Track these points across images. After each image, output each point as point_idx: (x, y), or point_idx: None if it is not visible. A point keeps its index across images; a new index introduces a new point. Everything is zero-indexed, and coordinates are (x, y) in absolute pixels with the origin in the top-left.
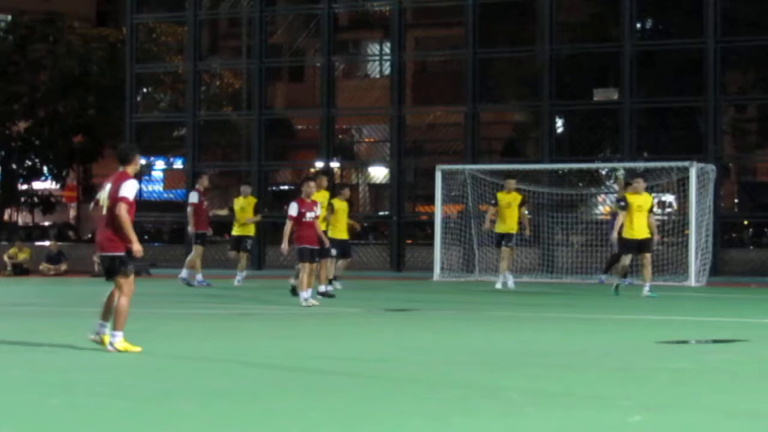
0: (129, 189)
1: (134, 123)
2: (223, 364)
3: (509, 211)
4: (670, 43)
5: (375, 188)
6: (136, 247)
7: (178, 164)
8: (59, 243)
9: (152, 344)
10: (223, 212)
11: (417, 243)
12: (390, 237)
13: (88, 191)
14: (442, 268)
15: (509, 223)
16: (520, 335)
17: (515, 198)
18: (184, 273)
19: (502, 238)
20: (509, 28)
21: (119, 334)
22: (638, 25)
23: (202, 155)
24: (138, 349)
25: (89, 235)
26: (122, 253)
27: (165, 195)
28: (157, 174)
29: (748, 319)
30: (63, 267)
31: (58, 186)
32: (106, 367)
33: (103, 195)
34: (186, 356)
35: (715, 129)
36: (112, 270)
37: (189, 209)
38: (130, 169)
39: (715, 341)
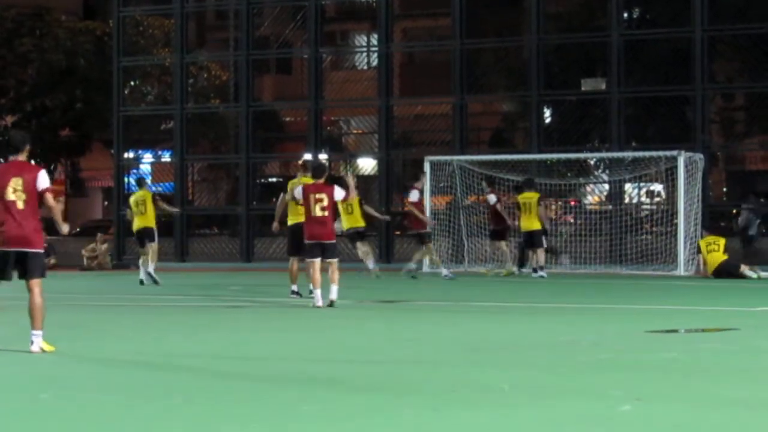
0: (46, 179)
1: (122, 116)
2: (214, 358)
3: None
4: (658, 33)
5: (363, 180)
6: (66, 229)
7: (166, 157)
8: (48, 237)
9: (142, 339)
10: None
11: (406, 234)
12: (379, 229)
13: (77, 185)
14: (431, 260)
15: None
16: (509, 326)
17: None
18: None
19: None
20: (497, 18)
21: (40, 333)
22: (625, 15)
23: (190, 148)
24: (52, 348)
25: (78, 229)
26: (42, 251)
27: (153, 188)
28: (145, 167)
29: (738, 307)
30: (52, 261)
31: None
32: (95, 361)
33: (10, 189)
34: (176, 351)
35: (702, 118)
36: (29, 267)
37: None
38: (23, 157)
39: (704, 330)
